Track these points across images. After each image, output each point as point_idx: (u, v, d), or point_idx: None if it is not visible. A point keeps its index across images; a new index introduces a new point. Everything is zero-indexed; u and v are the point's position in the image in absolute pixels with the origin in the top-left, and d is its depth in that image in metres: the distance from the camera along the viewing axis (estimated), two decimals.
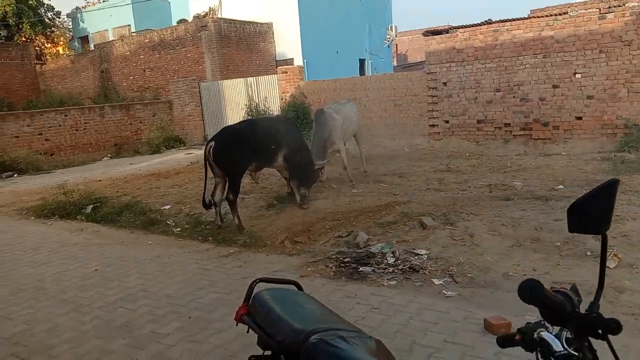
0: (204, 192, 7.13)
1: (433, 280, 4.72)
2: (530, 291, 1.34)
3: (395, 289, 4.58)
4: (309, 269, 5.22)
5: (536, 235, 5.43)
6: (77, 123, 16.64)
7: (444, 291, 4.48)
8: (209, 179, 7.08)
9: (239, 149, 6.81)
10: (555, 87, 11.20)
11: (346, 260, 5.31)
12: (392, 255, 5.29)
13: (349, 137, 9.56)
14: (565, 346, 1.31)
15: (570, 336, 1.35)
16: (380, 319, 3.97)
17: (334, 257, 5.45)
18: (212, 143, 6.83)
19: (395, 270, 4.98)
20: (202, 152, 15.77)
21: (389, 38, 28.12)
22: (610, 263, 4.55)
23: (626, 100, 10.41)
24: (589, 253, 4.88)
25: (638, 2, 10.02)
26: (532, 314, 3.99)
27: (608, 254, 4.67)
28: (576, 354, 1.32)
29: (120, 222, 7.84)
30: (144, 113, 18.43)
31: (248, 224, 6.90)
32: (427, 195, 7.54)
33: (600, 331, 1.33)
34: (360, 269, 5.09)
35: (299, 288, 2.26)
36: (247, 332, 2.05)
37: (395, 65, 31.93)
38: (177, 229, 7.17)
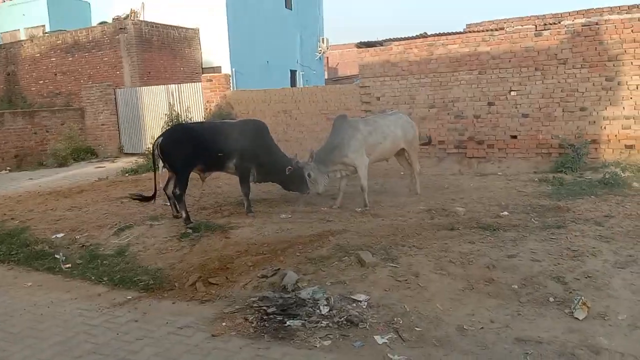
0: (155, 187, 7.31)
1: (375, 337, 3.87)
2: None
3: (330, 353, 3.68)
4: (224, 323, 4.22)
5: (489, 275, 4.72)
6: None
7: (389, 354, 3.64)
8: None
9: (184, 147, 7.08)
10: (490, 104, 10.86)
11: (270, 310, 4.35)
12: (325, 303, 4.40)
13: (383, 155, 8.19)
14: None
15: None
16: None
17: (255, 305, 4.48)
18: (161, 138, 7.18)
19: (330, 324, 4.09)
20: (114, 165, 14.69)
21: (321, 50, 27.52)
22: (579, 314, 3.89)
23: (561, 120, 10.19)
24: (551, 299, 4.21)
25: (573, 20, 9.85)
26: None
27: (576, 302, 4.05)
28: None
29: None
30: (51, 121, 16.57)
31: (154, 259, 5.79)
32: (363, 222, 6.74)
33: None
34: (288, 322, 4.15)
35: None
36: None
37: (326, 78, 31.40)
38: (67, 265, 5.91)
